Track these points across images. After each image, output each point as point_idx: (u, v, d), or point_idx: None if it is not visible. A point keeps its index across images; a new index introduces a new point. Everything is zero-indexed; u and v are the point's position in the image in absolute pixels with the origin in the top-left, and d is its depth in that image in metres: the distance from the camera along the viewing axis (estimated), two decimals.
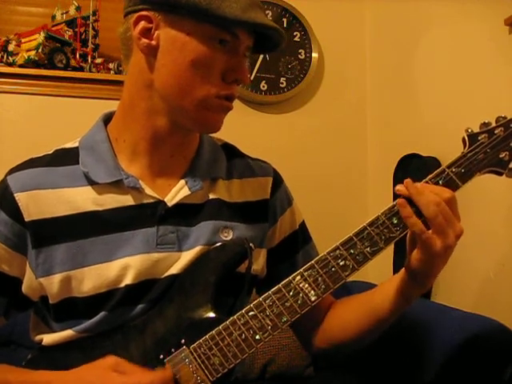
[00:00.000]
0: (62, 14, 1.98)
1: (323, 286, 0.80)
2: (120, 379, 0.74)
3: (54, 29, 1.93)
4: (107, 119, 0.94)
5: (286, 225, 1.02)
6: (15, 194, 0.84)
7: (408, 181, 0.81)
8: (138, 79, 0.87)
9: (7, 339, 1.52)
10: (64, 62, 1.92)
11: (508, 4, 1.37)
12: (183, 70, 0.82)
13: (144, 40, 0.83)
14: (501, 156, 0.84)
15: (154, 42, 0.83)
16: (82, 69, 1.96)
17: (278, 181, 1.03)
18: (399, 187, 0.82)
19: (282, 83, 2.14)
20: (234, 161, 0.99)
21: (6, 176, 0.87)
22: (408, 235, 0.82)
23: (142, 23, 0.83)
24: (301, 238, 1.04)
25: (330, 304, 1.01)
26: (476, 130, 0.86)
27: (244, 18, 0.79)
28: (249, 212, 0.95)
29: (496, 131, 0.85)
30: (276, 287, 0.81)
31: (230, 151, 1.01)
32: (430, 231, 0.77)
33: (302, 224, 1.06)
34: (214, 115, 0.87)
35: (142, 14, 0.83)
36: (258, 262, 0.95)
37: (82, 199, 0.85)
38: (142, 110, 0.87)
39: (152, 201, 0.87)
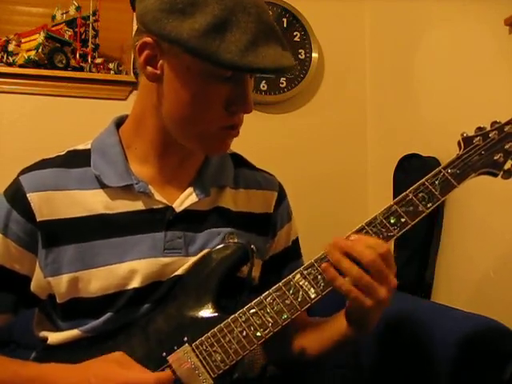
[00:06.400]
0: (62, 14, 1.98)
1: (323, 284, 0.81)
2: (121, 372, 0.75)
3: (53, 29, 1.94)
4: (119, 122, 0.95)
5: (282, 240, 1.04)
6: (28, 194, 0.85)
7: (336, 240, 0.81)
8: (148, 99, 0.87)
9: (7, 339, 1.52)
10: (64, 62, 1.92)
11: (508, 4, 1.37)
12: (185, 103, 0.82)
13: (149, 68, 0.82)
14: (495, 158, 0.86)
15: (158, 71, 0.82)
16: (82, 69, 1.96)
17: (281, 196, 1.04)
18: (328, 248, 0.81)
19: (282, 83, 2.14)
20: (241, 170, 1.00)
21: (18, 176, 0.88)
22: None
23: (147, 52, 0.81)
24: (291, 254, 1.05)
25: (306, 324, 1.02)
26: (471, 134, 0.89)
27: (241, 63, 0.75)
28: (252, 223, 0.97)
29: (490, 134, 0.88)
30: (276, 285, 0.82)
31: (238, 160, 1.02)
32: (358, 290, 0.78)
33: (296, 241, 1.07)
34: (218, 143, 0.88)
35: (146, 41, 0.81)
36: (256, 270, 0.96)
37: (92, 202, 0.86)
38: (151, 124, 0.88)
39: (161, 206, 0.89)
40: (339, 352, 0.94)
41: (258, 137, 2.07)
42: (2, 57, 1.92)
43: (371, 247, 0.78)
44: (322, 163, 2.16)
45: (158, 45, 0.80)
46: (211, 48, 0.74)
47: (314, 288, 0.81)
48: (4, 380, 0.79)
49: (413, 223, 0.82)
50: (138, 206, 0.88)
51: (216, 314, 0.84)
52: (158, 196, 0.89)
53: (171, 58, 0.80)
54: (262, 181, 1.02)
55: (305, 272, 0.82)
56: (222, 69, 0.78)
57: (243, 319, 0.81)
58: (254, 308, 0.81)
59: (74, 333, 0.85)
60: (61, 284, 0.84)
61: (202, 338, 0.81)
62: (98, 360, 0.78)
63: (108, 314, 0.84)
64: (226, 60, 0.74)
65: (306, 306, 0.81)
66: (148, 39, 0.80)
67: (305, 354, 0.99)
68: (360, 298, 0.78)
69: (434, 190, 0.84)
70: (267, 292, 0.82)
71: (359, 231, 0.82)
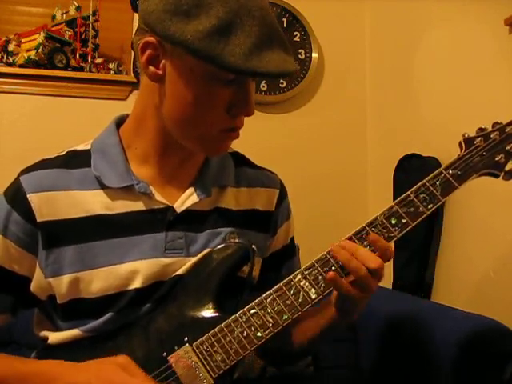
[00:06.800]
0: (62, 14, 1.98)
1: (323, 285, 0.81)
2: (125, 377, 0.74)
3: (53, 29, 1.94)
4: (120, 122, 0.95)
5: (281, 238, 1.04)
6: (28, 195, 0.85)
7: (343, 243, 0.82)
8: (149, 99, 0.87)
9: (8, 340, 1.52)
10: (64, 62, 1.92)
11: (508, 4, 1.37)
12: (187, 104, 0.81)
13: (151, 68, 0.82)
14: (496, 159, 0.86)
15: (160, 72, 0.81)
16: (81, 69, 1.96)
17: (283, 194, 1.04)
18: (335, 248, 0.82)
19: (282, 83, 2.14)
20: (242, 169, 1.00)
21: (18, 176, 0.88)
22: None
23: (149, 51, 0.81)
24: (289, 252, 1.06)
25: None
26: (473, 134, 0.89)
27: (245, 67, 0.74)
28: (254, 221, 0.97)
29: (492, 135, 0.87)
30: (277, 286, 0.82)
31: (239, 159, 1.02)
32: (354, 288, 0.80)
33: (292, 239, 1.08)
34: (218, 145, 0.88)
35: (148, 41, 0.80)
36: (256, 269, 0.96)
37: (93, 202, 0.86)
38: (152, 125, 0.88)
39: (162, 206, 0.88)
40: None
41: (258, 137, 2.06)
42: (2, 57, 1.92)
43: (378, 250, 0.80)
44: (322, 163, 2.16)
45: (161, 45, 0.80)
46: (215, 50, 0.73)
47: (314, 288, 0.81)
48: (4, 376, 0.79)
49: (414, 224, 0.82)
50: (139, 206, 0.88)
51: (217, 314, 0.84)
52: (158, 196, 0.89)
53: (174, 58, 0.80)
54: (264, 179, 1.02)
55: (305, 272, 0.82)
56: (226, 71, 0.77)
57: (244, 319, 0.81)
58: (254, 308, 0.81)
59: (74, 332, 0.85)
60: (62, 285, 0.84)
61: (203, 338, 0.81)
62: (101, 362, 0.77)
63: (109, 314, 0.84)
64: (230, 63, 0.74)
65: (307, 307, 0.81)
66: (151, 39, 0.80)
67: (297, 344, 1.00)
68: (356, 295, 0.80)
69: (434, 191, 0.84)
70: (268, 292, 0.82)
71: (360, 232, 0.82)
